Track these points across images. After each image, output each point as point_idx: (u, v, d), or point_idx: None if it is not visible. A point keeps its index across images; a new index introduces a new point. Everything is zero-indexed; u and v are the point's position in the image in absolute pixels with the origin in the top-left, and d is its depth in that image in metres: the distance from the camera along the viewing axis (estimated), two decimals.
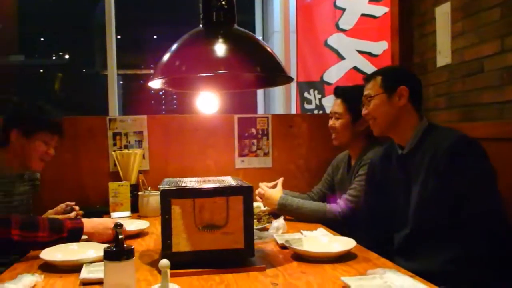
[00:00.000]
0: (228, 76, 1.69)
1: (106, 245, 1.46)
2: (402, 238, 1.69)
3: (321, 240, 1.64)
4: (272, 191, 2.24)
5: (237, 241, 1.38)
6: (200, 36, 1.43)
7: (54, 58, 6.27)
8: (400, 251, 1.68)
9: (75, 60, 6.16)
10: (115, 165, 2.52)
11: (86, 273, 1.30)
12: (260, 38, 4.14)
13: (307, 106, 3.16)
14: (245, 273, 1.35)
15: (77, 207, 2.17)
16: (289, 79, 1.64)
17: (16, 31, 4.36)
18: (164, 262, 1.05)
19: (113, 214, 2.28)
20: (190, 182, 1.53)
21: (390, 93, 1.73)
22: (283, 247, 1.61)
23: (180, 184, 1.45)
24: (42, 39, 5.96)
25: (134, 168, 2.47)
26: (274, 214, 2.12)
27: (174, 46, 1.43)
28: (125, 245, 1.07)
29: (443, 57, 2.39)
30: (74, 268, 1.38)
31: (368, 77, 1.84)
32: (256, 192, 2.25)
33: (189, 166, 2.65)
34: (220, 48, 1.36)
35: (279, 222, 1.88)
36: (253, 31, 4.17)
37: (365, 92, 1.82)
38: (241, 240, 1.38)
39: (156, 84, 1.50)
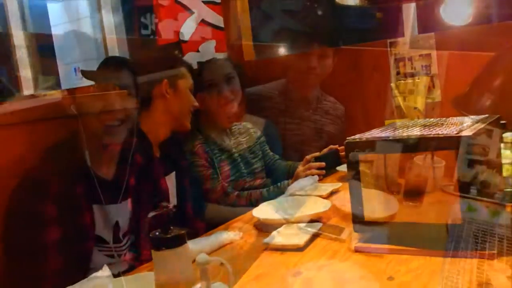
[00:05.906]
0: None
1: None
2: None
3: None
4: None
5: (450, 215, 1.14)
6: None
7: None
8: None
9: None
10: None
11: (273, 237, 1.35)
12: None
13: None
14: (462, 258, 1.07)
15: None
16: None
17: None
18: (202, 258, 0.90)
19: None
20: (409, 129, 1.31)
21: None
22: None
23: (379, 134, 1.28)
24: None
25: (417, 100, 2.30)
26: None
27: None
28: (170, 230, 0.98)
29: None
30: (277, 227, 1.46)
31: None
32: None
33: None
34: None
35: None
36: None
37: None
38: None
39: None
